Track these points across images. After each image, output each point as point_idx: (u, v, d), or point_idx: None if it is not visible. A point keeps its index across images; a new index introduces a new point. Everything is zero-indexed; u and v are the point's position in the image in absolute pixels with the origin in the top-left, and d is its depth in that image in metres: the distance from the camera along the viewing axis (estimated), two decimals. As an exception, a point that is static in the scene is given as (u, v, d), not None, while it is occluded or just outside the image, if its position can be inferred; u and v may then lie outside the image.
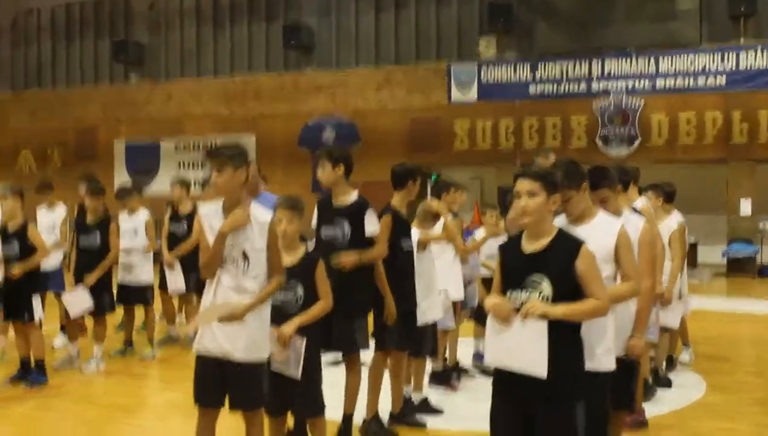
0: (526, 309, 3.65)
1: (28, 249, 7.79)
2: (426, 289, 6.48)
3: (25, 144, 24.27)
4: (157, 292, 9.85)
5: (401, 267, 6.03)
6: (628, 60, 19.25)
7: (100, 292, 8.53)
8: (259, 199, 6.73)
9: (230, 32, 22.73)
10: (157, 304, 9.88)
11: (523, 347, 3.66)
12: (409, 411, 6.51)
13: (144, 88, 23.26)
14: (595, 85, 19.51)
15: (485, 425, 6.45)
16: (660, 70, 19.04)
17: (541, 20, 20.09)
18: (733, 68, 18.55)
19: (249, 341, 4.47)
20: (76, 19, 24.40)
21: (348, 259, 5.51)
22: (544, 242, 3.82)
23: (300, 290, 4.97)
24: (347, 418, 5.88)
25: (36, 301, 7.88)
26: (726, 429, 6.50)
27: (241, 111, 22.14)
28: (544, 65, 19.81)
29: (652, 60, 19.07)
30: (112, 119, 23.45)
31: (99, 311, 8.61)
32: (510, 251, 3.95)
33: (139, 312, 9.68)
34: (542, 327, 3.63)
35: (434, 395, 7.16)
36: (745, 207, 18.62)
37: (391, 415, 6.35)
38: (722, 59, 18.63)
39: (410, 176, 6.25)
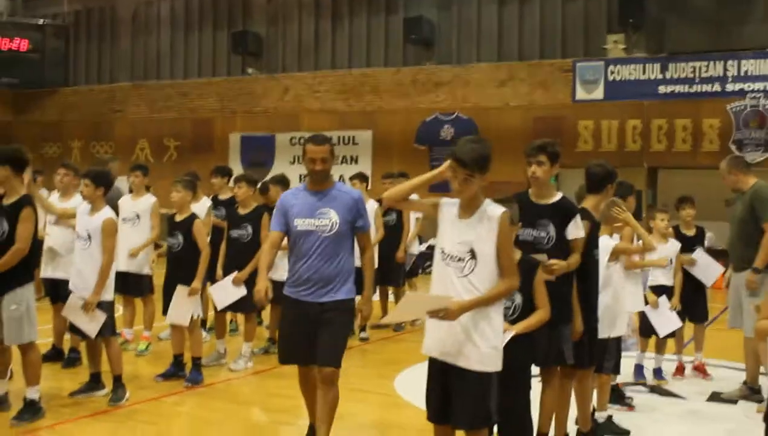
0: None
1: (191, 243, 7.63)
2: (614, 301, 6.06)
3: (143, 134, 24.47)
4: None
5: (593, 278, 5.63)
6: (767, 60, 18.31)
7: (250, 288, 8.31)
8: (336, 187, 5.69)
9: (349, 25, 22.49)
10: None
11: None
12: (597, 431, 6.08)
13: (261, 80, 23.20)
14: (729, 86, 18.56)
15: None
16: (802, 72, 18.05)
17: (674, 17, 19.22)
18: None
19: (482, 348, 4.10)
20: (194, 10, 24.51)
21: (559, 265, 5.09)
22: None
23: (518, 298, 4.60)
24: (543, 437, 5.47)
25: (196, 299, 7.73)
26: None
27: (358, 106, 21.86)
28: (676, 64, 18.99)
29: (793, 61, 18.11)
30: (228, 111, 23.48)
31: (250, 308, 8.40)
32: None
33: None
34: None
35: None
36: None
37: (580, 434, 5.94)
38: None
39: (610, 179, 5.84)
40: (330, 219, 5.40)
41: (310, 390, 5.65)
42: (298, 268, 5.46)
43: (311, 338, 5.38)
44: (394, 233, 10.74)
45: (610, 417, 6.39)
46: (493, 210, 4.19)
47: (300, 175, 19.61)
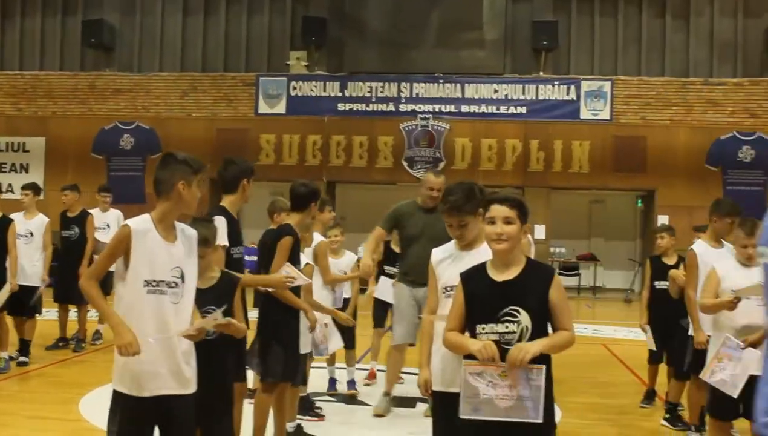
0: (515, 358, 3.46)
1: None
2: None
3: None
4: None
5: (295, 293, 5.77)
6: (436, 84, 19.72)
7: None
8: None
9: (20, 24, 21.10)
10: None
11: (516, 394, 3.50)
12: (291, 442, 6.18)
13: None
14: (403, 107, 19.82)
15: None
16: (465, 96, 19.66)
17: (353, 38, 20.17)
18: (533, 99, 19.50)
19: (192, 368, 4.04)
20: None
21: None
22: (515, 270, 3.68)
23: (220, 316, 4.55)
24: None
25: None
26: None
27: (29, 110, 20.55)
28: (354, 83, 19.90)
29: (458, 86, 19.66)
30: None
31: None
32: (476, 280, 3.75)
33: None
34: (540, 372, 3.52)
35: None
36: (539, 232, 19.53)
37: (277, 446, 6.00)
38: (523, 90, 19.53)
39: (313, 197, 6.01)
40: None
41: None
42: None
43: None
44: (76, 247, 10.22)
45: (299, 426, 6.51)
46: (190, 230, 4.12)
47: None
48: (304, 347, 6.02)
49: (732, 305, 5.53)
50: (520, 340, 3.55)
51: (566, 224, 20.54)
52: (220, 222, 5.22)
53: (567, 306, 3.73)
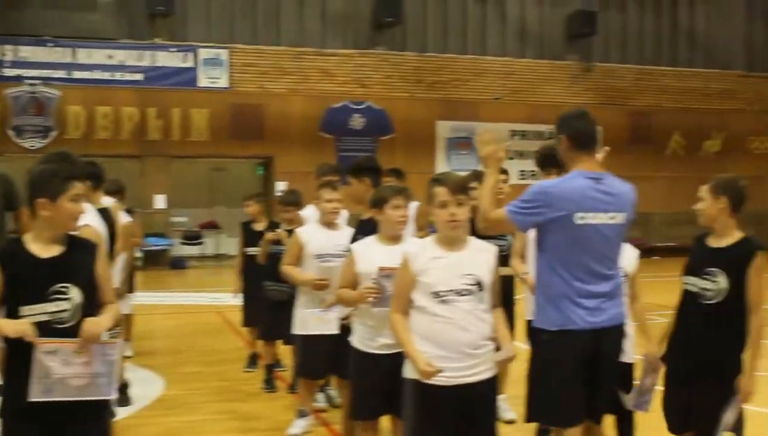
0: (92, 332, 3.37)
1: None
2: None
3: None
4: None
5: None
6: (44, 48, 18.55)
7: None
8: None
9: None
10: None
11: (91, 371, 3.41)
12: None
13: None
14: (7, 72, 18.42)
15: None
16: (77, 62, 18.72)
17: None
18: (150, 66, 19.06)
19: None
20: None
21: None
22: (60, 246, 3.51)
23: None
24: None
25: None
26: (187, 422, 6.61)
27: None
28: (-50, 45, 18.17)
29: (69, 50, 18.67)
30: None
31: None
32: (17, 258, 3.50)
33: None
34: (115, 346, 3.49)
35: None
36: (159, 202, 19.24)
37: None
38: (139, 56, 19.02)
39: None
40: None
41: None
42: None
43: None
44: None
45: None
46: None
47: None
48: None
49: (317, 286, 5.58)
50: (73, 318, 3.42)
51: (187, 192, 20.42)
52: None
53: (110, 278, 3.72)
